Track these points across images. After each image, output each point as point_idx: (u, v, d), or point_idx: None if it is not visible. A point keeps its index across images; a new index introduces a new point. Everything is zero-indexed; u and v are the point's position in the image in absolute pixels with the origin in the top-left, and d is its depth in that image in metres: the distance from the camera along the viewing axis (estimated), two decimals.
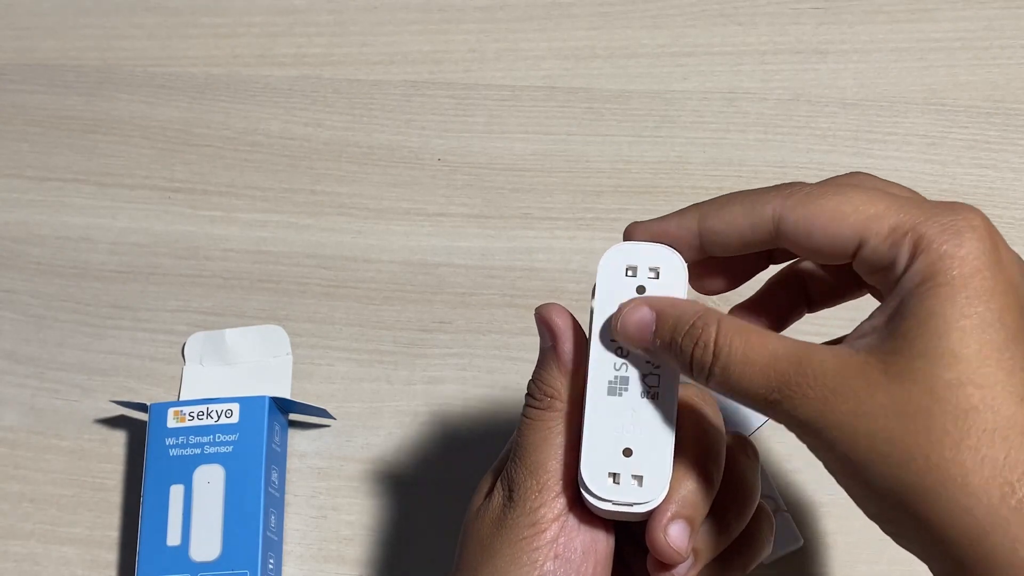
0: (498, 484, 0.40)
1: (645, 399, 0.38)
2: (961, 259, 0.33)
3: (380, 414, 0.55)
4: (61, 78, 0.64)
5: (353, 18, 0.64)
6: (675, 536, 0.37)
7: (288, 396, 0.55)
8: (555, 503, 0.38)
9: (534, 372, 0.40)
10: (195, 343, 0.57)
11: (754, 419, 0.53)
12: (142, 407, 0.54)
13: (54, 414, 0.57)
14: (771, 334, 0.35)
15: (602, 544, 0.38)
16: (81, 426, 0.56)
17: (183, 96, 0.63)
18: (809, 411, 0.33)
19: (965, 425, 0.31)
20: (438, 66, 0.63)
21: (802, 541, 0.50)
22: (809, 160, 0.58)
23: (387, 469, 0.54)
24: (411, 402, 0.55)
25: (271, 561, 0.51)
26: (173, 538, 0.51)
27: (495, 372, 0.56)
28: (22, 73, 0.65)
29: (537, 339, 0.56)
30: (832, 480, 0.52)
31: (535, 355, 0.55)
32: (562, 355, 0.40)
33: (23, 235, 0.61)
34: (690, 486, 0.38)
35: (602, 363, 0.39)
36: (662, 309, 0.37)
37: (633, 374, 0.38)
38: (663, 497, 0.37)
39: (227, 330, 0.57)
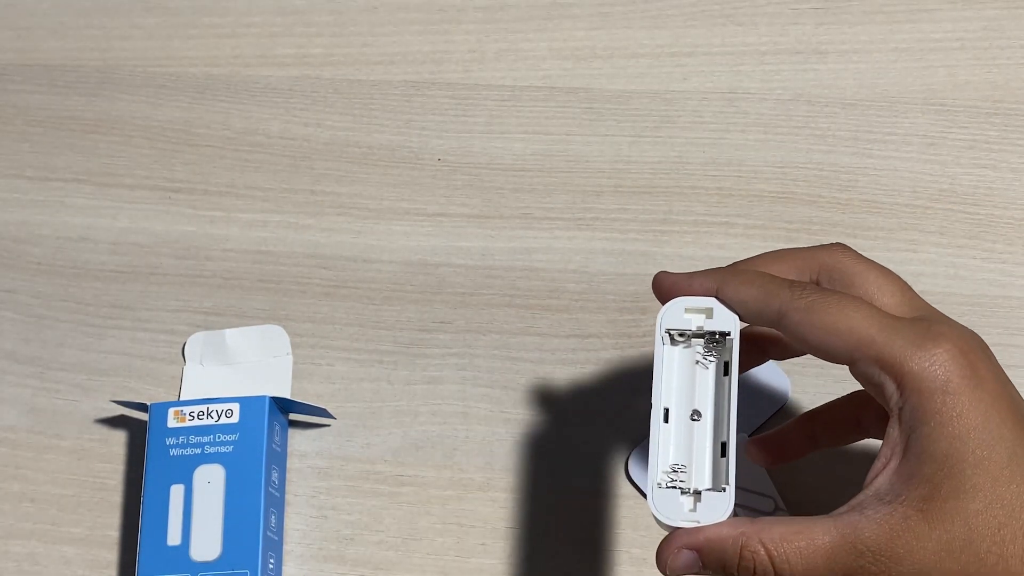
0: None
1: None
2: (949, 392, 0.37)
3: (380, 414, 0.55)
4: (62, 78, 0.64)
5: (353, 18, 0.64)
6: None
7: (288, 396, 0.55)
8: None
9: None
10: (195, 343, 0.57)
11: (755, 419, 0.53)
12: (142, 407, 0.54)
13: (54, 414, 0.57)
14: (815, 528, 0.38)
15: None
16: (81, 426, 0.56)
17: (183, 96, 0.63)
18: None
19: (1000, 539, 0.36)
20: (438, 66, 0.63)
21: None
22: (809, 160, 0.58)
23: (387, 469, 0.54)
24: (411, 402, 0.55)
25: (271, 561, 0.51)
26: (173, 538, 0.51)
27: (495, 372, 0.56)
28: (23, 73, 0.65)
29: (538, 338, 0.56)
30: (832, 480, 0.53)
31: (535, 355, 0.56)
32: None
33: (23, 235, 0.61)
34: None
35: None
36: (701, 548, 0.39)
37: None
38: (728, 514, 0.40)
39: (227, 330, 0.57)
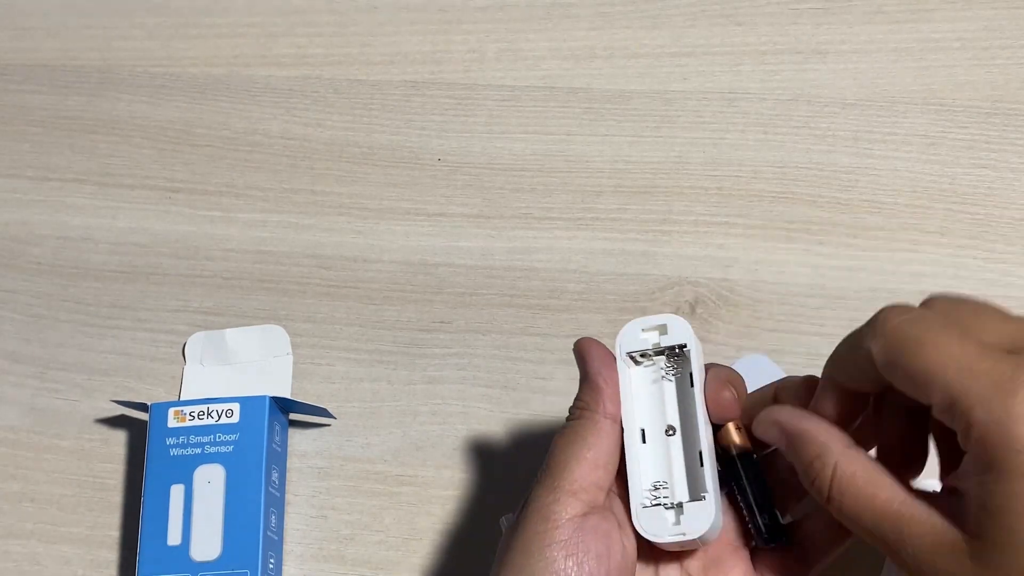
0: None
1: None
2: (1015, 450, 0.33)
3: (380, 414, 0.55)
4: (62, 78, 0.64)
5: (353, 18, 0.64)
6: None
7: (288, 396, 0.55)
8: (569, 503, 0.39)
9: (575, 399, 0.42)
10: (195, 343, 0.57)
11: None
12: (142, 407, 0.54)
13: (54, 414, 0.57)
14: (881, 482, 0.37)
15: (618, 555, 0.40)
16: (81, 426, 0.56)
17: (183, 96, 0.63)
18: (908, 568, 0.36)
19: None
20: (438, 66, 0.63)
21: None
22: (809, 160, 0.58)
23: (387, 469, 0.54)
24: (411, 402, 0.55)
25: (271, 561, 0.51)
26: (173, 538, 0.51)
27: (495, 372, 0.56)
28: (23, 73, 0.65)
29: (539, 339, 0.56)
30: None
31: (535, 355, 0.56)
32: (593, 377, 0.42)
33: (23, 235, 0.61)
34: None
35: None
36: (790, 434, 0.39)
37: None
38: (711, 526, 0.40)
39: (227, 330, 0.57)
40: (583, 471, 0.40)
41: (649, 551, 0.42)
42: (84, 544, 0.54)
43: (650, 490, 0.41)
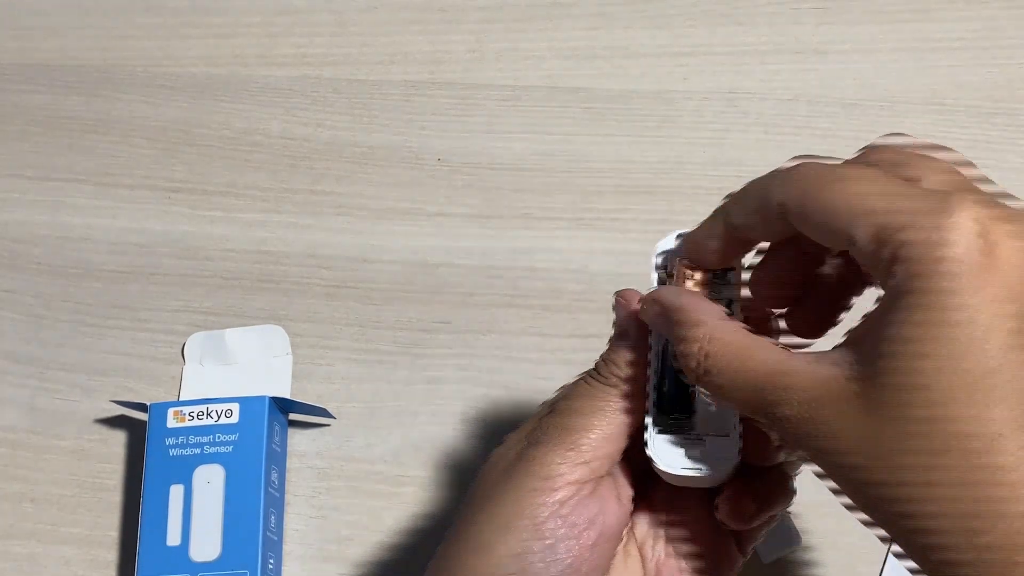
0: (522, 434, 0.39)
1: None
2: (941, 272, 0.30)
3: (380, 414, 0.55)
4: (62, 78, 0.64)
5: (353, 18, 0.64)
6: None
7: (288, 396, 0.55)
8: (577, 468, 0.37)
9: (604, 352, 0.40)
10: (195, 343, 0.57)
11: None
12: (142, 407, 0.54)
13: (54, 414, 0.57)
14: (758, 346, 0.34)
15: (612, 518, 0.38)
16: (81, 426, 0.56)
17: (183, 96, 0.63)
18: (789, 431, 0.33)
19: (933, 468, 0.30)
20: (438, 66, 0.63)
21: (802, 541, 0.50)
22: None
23: (387, 469, 0.54)
24: (411, 402, 0.55)
25: (271, 561, 0.51)
26: (173, 538, 0.51)
27: (495, 372, 0.56)
28: (23, 73, 0.65)
29: (539, 339, 0.56)
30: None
31: (535, 355, 0.56)
32: (635, 341, 0.39)
33: (23, 235, 0.61)
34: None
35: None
36: (668, 312, 0.37)
37: None
38: (734, 462, 0.37)
39: (227, 330, 0.57)
40: (599, 443, 0.37)
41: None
42: (84, 544, 0.54)
43: (669, 416, 0.38)
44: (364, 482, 0.54)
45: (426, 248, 0.58)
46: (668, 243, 0.40)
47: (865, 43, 0.61)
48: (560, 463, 0.37)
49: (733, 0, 0.62)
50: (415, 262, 0.58)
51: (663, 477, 0.38)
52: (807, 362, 0.33)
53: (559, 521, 0.37)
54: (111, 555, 0.54)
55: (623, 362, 0.39)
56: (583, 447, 0.37)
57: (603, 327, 0.56)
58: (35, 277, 0.60)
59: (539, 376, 0.55)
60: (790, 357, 0.33)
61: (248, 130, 0.62)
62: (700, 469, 0.37)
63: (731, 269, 0.39)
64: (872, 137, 0.59)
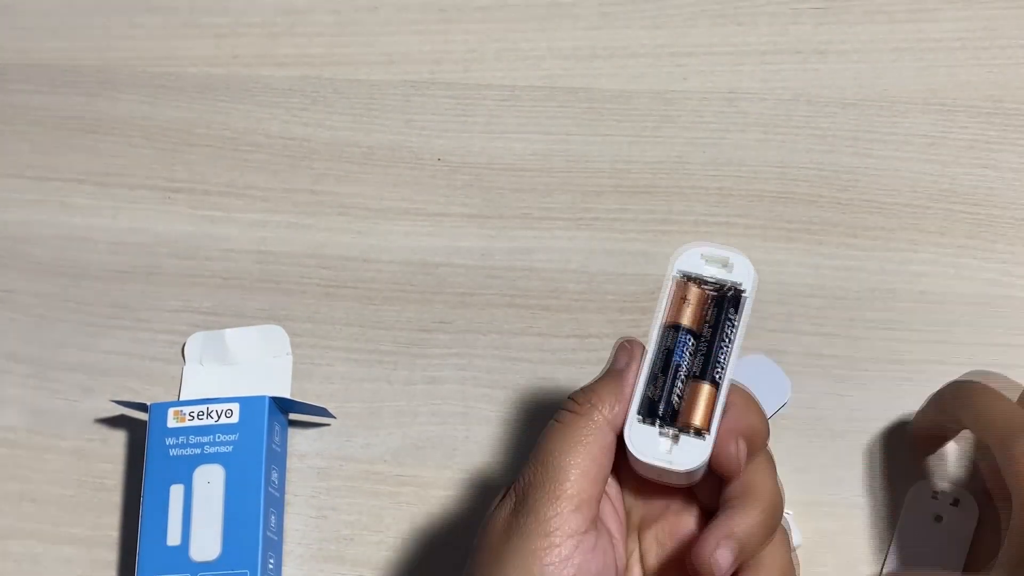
0: (511, 489, 0.39)
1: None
2: None
3: (380, 414, 0.55)
4: (62, 78, 0.64)
5: (353, 18, 0.64)
6: (721, 557, 0.37)
7: (288, 396, 0.55)
8: (571, 518, 0.37)
9: (586, 385, 0.40)
10: (195, 343, 0.57)
11: (768, 407, 0.53)
12: (142, 407, 0.54)
13: (54, 414, 0.57)
14: None
15: (611, 569, 0.39)
16: (81, 426, 0.56)
17: (183, 96, 0.63)
18: None
19: None
20: (438, 66, 0.63)
21: (802, 541, 0.50)
22: (809, 160, 0.58)
23: (387, 469, 0.54)
24: (411, 402, 0.55)
25: (271, 561, 0.51)
26: (173, 538, 0.51)
27: (495, 372, 0.56)
28: (23, 73, 0.65)
29: (538, 338, 0.56)
30: (832, 480, 0.53)
31: (535, 355, 0.56)
32: (627, 379, 0.40)
33: (23, 235, 0.61)
34: (752, 519, 0.38)
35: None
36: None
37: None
38: (703, 460, 0.38)
39: (227, 330, 0.57)
40: (587, 483, 0.38)
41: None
42: (84, 544, 0.54)
43: (651, 409, 0.39)
44: (364, 482, 0.54)
45: (426, 248, 0.58)
46: (692, 258, 0.41)
47: (865, 43, 0.61)
48: (554, 516, 0.37)
49: (733, 0, 0.62)
50: (415, 262, 0.58)
51: (634, 466, 0.40)
52: None
53: (572, 570, 0.37)
54: (111, 555, 0.54)
55: (609, 395, 0.39)
56: (570, 491, 0.38)
57: (602, 327, 0.56)
58: (35, 277, 0.60)
59: (539, 376, 0.55)
60: None
61: (248, 130, 0.62)
62: (670, 462, 0.39)
63: (743, 290, 0.40)
64: (871, 137, 0.59)
